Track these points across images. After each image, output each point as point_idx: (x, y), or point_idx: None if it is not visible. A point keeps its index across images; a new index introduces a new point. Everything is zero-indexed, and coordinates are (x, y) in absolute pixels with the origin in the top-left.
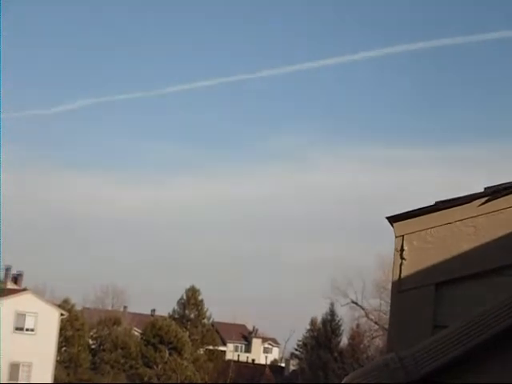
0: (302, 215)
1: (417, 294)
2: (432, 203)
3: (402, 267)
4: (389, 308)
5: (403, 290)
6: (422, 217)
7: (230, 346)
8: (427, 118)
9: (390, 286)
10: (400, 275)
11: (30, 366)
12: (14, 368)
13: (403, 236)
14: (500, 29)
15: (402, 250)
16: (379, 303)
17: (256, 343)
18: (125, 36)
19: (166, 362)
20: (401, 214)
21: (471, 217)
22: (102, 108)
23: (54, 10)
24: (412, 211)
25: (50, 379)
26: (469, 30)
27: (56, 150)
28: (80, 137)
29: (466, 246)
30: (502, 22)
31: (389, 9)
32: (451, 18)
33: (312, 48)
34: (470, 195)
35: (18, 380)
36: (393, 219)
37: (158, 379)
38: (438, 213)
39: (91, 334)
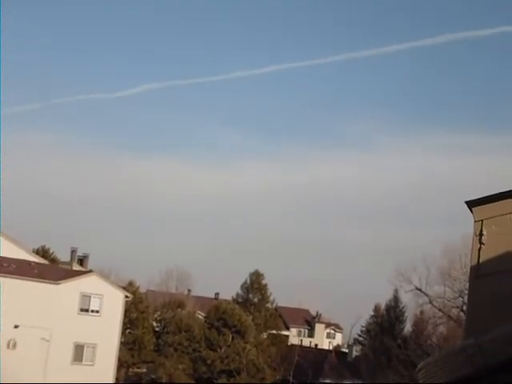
0: (368, 201)
1: (495, 279)
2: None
3: (481, 252)
4: (453, 295)
5: (482, 275)
6: (501, 201)
7: (293, 331)
8: (496, 105)
9: (454, 273)
10: (478, 260)
11: (94, 347)
12: (79, 349)
13: (482, 221)
14: None
15: (480, 234)
16: (443, 290)
17: (319, 328)
18: (187, 21)
19: (229, 346)
20: (480, 198)
21: None
22: (166, 92)
23: None
24: (492, 196)
25: (114, 361)
26: None
27: (121, 133)
28: (143, 121)
29: None
30: None
31: None
32: None
33: (379, 34)
34: None
35: (82, 361)
36: (472, 204)
37: (222, 362)
38: None
39: (155, 316)
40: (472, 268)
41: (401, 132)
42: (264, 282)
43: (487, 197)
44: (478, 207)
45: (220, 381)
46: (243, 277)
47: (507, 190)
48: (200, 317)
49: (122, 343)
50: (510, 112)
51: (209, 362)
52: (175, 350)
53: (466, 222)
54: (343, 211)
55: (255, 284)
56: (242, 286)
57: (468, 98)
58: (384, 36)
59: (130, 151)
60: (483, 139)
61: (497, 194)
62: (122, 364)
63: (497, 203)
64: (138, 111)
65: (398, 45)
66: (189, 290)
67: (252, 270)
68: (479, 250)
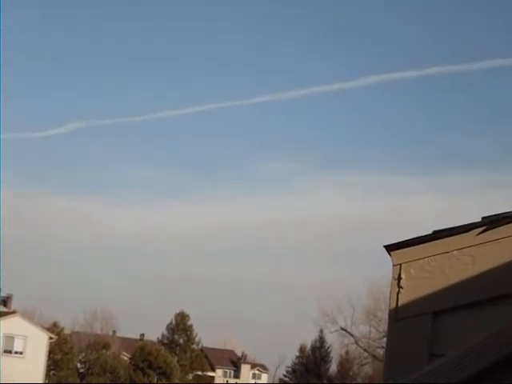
0: (293, 241)
1: (414, 323)
2: (429, 232)
3: (400, 296)
4: (378, 335)
5: (400, 318)
6: (419, 246)
7: (219, 372)
8: (420, 145)
9: (379, 313)
10: (397, 304)
11: None
12: None
13: (401, 265)
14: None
15: (399, 278)
16: (369, 330)
17: (245, 369)
18: (112, 61)
19: None
20: (399, 242)
21: (469, 246)
22: (89, 132)
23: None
24: (410, 240)
25: None
26: (460, 58)
27: (43, 173)
28: (66, 161)
29: (463, 275)
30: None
31: (377, 39)
32: (444, 45)
33: (302, 75)
34: (468, 224)
35: None
36: (390, 248)
37: None
38: (436, 242)
39: (80, 357)
40: (391, 311)
41: (323, 173)
42: (189, 322)
43: (406, 241)
44: (397, 251)
45: None
46: (168, 318)
47: (424, 234)
48: (125, 358)
49: None
50: (435, 152)
51: None
52: None
53: (390, 262)
54: (267, 251)
55: (180, 325)
56: (167, 327)
57: (393, 139)
58: (303, 77)
59: (53, 190)
60: (408, 180)
61: (415, 238)
62: None
63: (415, 247)
64: (59, 150)
65: (318, 87)
66: (114, 331)
67: (177, 311)
68: (398, 293)
